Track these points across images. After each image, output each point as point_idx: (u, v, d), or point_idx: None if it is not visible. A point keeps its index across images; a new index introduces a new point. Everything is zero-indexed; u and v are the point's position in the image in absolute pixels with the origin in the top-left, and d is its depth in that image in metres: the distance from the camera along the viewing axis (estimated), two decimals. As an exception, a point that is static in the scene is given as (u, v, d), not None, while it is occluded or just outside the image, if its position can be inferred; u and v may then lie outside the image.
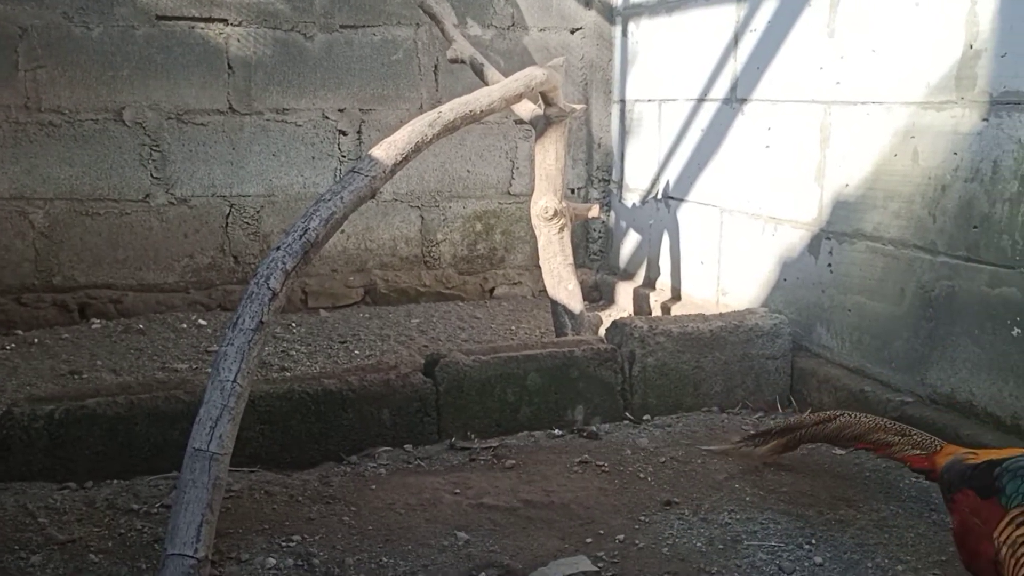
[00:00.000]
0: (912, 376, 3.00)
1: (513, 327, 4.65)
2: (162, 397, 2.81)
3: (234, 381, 2.21)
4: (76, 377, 3.70)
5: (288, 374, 3.58)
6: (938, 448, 2.35)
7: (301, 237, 2.43)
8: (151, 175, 4.60)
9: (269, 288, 2.32)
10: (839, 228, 3.33)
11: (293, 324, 4.56)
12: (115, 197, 4.57)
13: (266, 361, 3.95)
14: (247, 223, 4.79)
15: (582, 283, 4.23)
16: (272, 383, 3.00)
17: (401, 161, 2.70)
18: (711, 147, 4.18)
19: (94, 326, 4.43)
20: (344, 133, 4.88)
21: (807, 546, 2.40)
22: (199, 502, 2.09)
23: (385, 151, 2.70)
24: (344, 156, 4.89)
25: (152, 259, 4.65)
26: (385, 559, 2.32)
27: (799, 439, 2.76)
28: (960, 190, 2.77)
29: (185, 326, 4.46)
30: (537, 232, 4.01)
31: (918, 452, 2.37)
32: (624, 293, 5.00)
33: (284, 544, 2.37)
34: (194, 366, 3.86)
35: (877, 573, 2.26)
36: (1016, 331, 2.57)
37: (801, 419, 2.79)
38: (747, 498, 2.70)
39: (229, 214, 4.76)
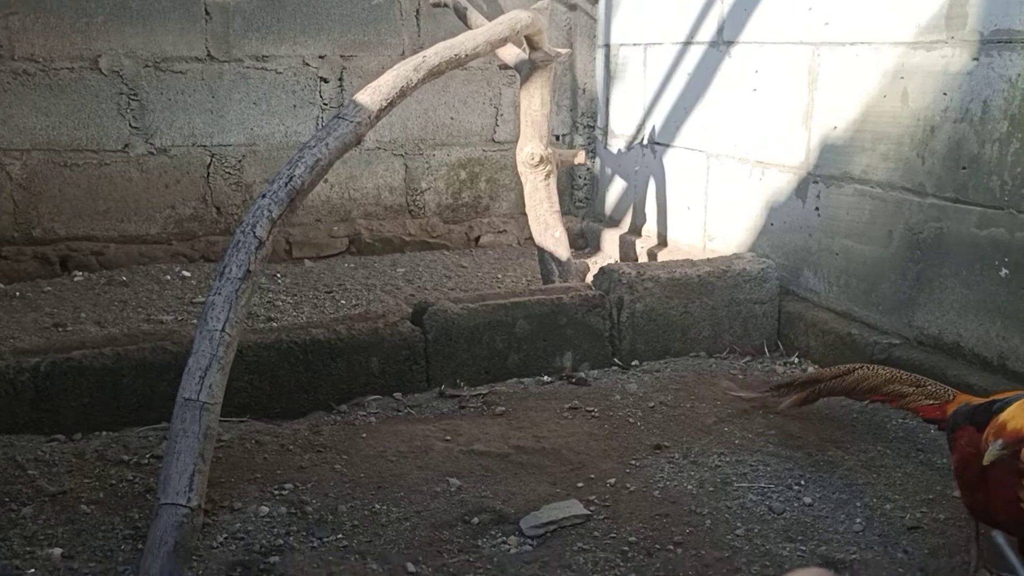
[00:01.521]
0: (899, 318, 3.01)
1: (499, 275, 4.63)
2: (149, 348, 2.78)
3: (222, 330, 2.19)
4: (60, 330, 3.66)
5: (275, 324, 3.56)
6: (951, 398, 2.31)
7: (287, 184, 2.39)
8: (129, 125, 4.52)
9: (255, 236, 2.30)
10: (827, 171, 3.32)
11: (278, 275, 4.53)
12: (93, 147, 4.49)
13: (252, 312, 3.92)
14: (229, 173, 4.72)
15: (568, 231, 4.20)
16: (260, 333, 2.98)
17: (386, 106, 2.66)
18: (697, 91, 4.14)
19: (76, 279, 4.38)
20: (325, 80, 4.80)
21: (796, 487, 2.43)
22: (190, 451, 2.08)
23: (370, 96, 2.65)
24: (326, 104, 4.81)
25: (133, 210, 4.59)
26: (378, 506, 2.32)
27: (818, 393, 2.69)
28: (949, 131, 2.76)
29: (169, 278, 4.42)
30: (523, 179, 3.97)
31: (931, 402, 2.33)
32: (610, 240, 4.98)
33: (276, 492, 2.37)
34: (180, 318, 3.83)
35: (865, 512, 2.29)
36: (1004, 272, 2.58)
37: (820, 373, 2.76)
38: (737, 441, 2.72)
39: (210, 164, 4.69)
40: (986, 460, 1.71)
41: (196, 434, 2.10)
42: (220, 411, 2.29)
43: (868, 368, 2.57)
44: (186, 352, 2.26)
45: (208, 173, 4.69)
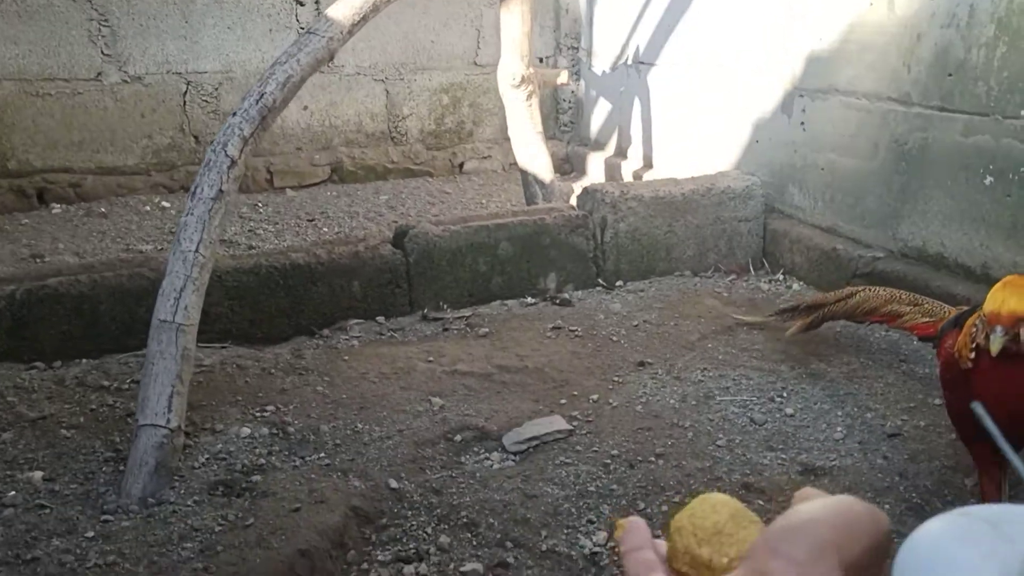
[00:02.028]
0: (884, 231, 2.99)
1: (484, 201, 4.59)
2: (126, 275, 2.75)
3: (196, 251, 2.15)
4: (38, 260, 3.62)
5: (255, 250, 3.52)
6: (946, 315, 2.26)
7: (258, 102, 2.34)
8: (101, 52, 4.41)
9: (227, 155, 2.25)
10: (812, 84, 3.26)
11: (259, 204, 4.47)
12: (65, 76, 4.39)
13: (233, 240, 3.89)
14: (205, 101, 4.63)
15: (552, 155, 4.14)
16: (239, 259, 2.94)
17: (359, 21, 2.58)
18: (681, 7, 4.05)
19: (54, 211, 4.32)
20: (301, 3, 4.68)
21: (779, 399, 2.43)
22: (168, 373, 2.07)
23: (342, 11, 2.58)
24: (303, 28, 4.69)
25: (109, 141, 4.51)
26: (360, 425, 2.32)
27: (822, 317, 2.64)
28: (936, 37, 2.70)
29: (148, 208, 4.36)
30: (505, 100, 3.90)
31: (926, 320, 2.31)
32: (595, 164, 4.93)
33: (258, 414, 2.36)
34: (159, 247, 3.79)
35: (846, 421, 2.29)
36: (988, 180, 2.55)
37: (824, 297, 2.72)
38: (720, 356, 2.71)
39: (186, 92, 4.59)
40: (993, 350, 1.63)
41: (173, 356, 2.08)
42: (200, 336, 2.27)
43: (868, 290, 2.53)
44: (163, 277, 2.22)
45: (184, 101, 4.60)
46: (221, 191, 2.21)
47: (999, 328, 1.62)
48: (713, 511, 0.53)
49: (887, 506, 1.91)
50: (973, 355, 1.72)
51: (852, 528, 0.42)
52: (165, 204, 4.43)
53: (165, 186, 4.60)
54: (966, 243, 2.67)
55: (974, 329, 1.73)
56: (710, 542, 0.51)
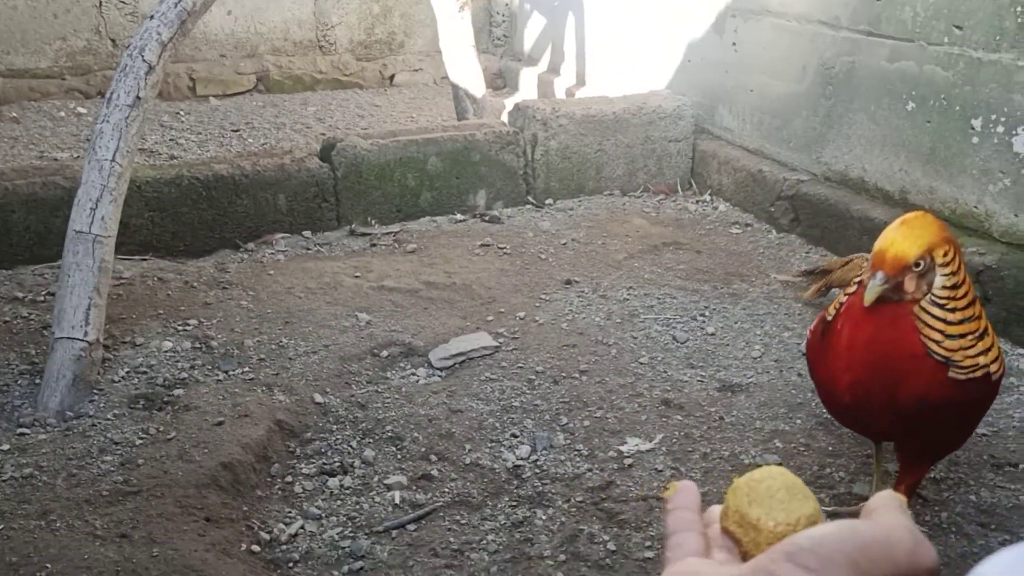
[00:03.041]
0: (809, 155, 3.04)
1: (414, 114, 4.52)
2: (40, 183, 2.65)
3: (112, 160, 2.08)
4: (-54, 168, 3.46)
5: (177, 161, 3.42)
6: None
7: (176, 5, 2.24)
8: (9, -54, 4.17)
9: (144, 61, 2.15)
10: (745, 5, 3.25)
11: (181, 112, 4.33)
12: (-30, -29, 4.14)
13: (153, 150, 3.77)
14: (124, 3, 4.42)
15: (485, 70, 4.09)
16: (159, 169, 2.86)
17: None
18: (618, -80, 3.97)
19: (-38, 115, 4.13)
20: (224, -99, 4.47)
21: (700, 318, 2.48)
22: (85, 285, 2.01)
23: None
24: (226, -72, 4.50)
25: (20, 42, 4.29)
26: (285, 340, 2.30)
27: (828, 284, 2.58)
28: (867, -39, 2.71)
29: (63, 114, 4.19)
30: (437, 11, 3.81)
31: None
32: (528, 79, 4.87)
33: (180, 328, 2.32)
34: (75, 155, 3.65)
35: (764, 339, 2.36)
36: (911, 105, 2.59)
37: (832, 263, 2.65)
38: (646, 276, 2.75)
39: (102, -8, 4.38)
40: (867, 299, 1.38)
41: (90, 267, 2.03)
42: (119, 248, 2.21)
43: (863, 256, 2.44)
44: (79, 186, 2.15)
45: (100, 2, 4.39)
46: (138, 98, 2.13)
47: (879, 274, 1.38)
48: (770, 477, 0.54)
49: (799, 420, 1.99)
50: (844, 298, 1.50)
51: (878, 552, 0.43)
52: (81, 110, 4.26)
53: (80, 91, 4.42)
54: (886, 168, 2.72)
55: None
56: (761, 504, 0.52)
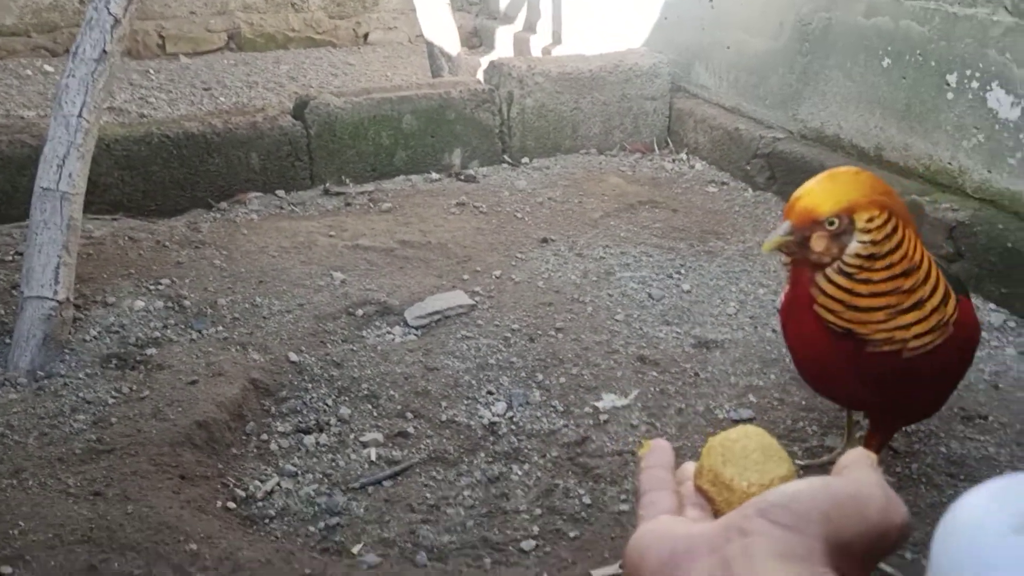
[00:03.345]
0: (785, 112, 3.03)
1: (388, 73, 4.46)
2: (6, 142, 2.60)
3: (79, 116, 2.04)
4: (-91, 127, 3.39)
5: (147, 119, 3.37)
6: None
7: (142, -43, 2.18)
8: (-31, -102, 4.05)
9: (110, 13, 2.11)
10: (722, -39, 3.22)
11: (151, 71, 4.25)
12: (-71, -76, 4.03)
13: (123, 108, 3.70)
14: (89, -43, 4.32)
15: (460, 28, 4.04)
16: (128, 127, 2.81)
17: None
18: None
19: (-75, 74, 4.04)
20: None
21: (676, 275, 2.49)
22: (54, 243, 1.98)
23: None
24: None
25: (-17, -2, 4.19)
26: (259, 299, 2.28)
27: None
28: (845, -84, 2.69)
29: (29, 72, 4.10)
30: (410, -33, 3.75)
31: None
32: (504, 38, 4.82)
33: (152, 287, 2.30)
34: (42, 114, 3.58)
35: (739, 296, 2.37)
36: (886, 62, 2.59)
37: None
38: (622, 234, 2.74)
39: (67, -53, 4.28)
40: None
41: (58, 225, 2.00)
42: (89, 207, 2.18)
43: None
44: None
45: (65, -43, 4.29)
46: (105, 52, 2.08)
47: (785, 224, 1.28)
48: (746, 437, 0.54)
49: (773, 376, 2.00)
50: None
51: (851, 508, 0.43)
52: (48, 68, 4.17)
53: (47, 49, 4.33)
54: (862, 125, 2.72)
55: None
56: (735, 464, 0.52)
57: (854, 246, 1.26)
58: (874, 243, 1.26)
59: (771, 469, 0.52)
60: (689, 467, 0.56)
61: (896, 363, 1.31)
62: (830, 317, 1.30)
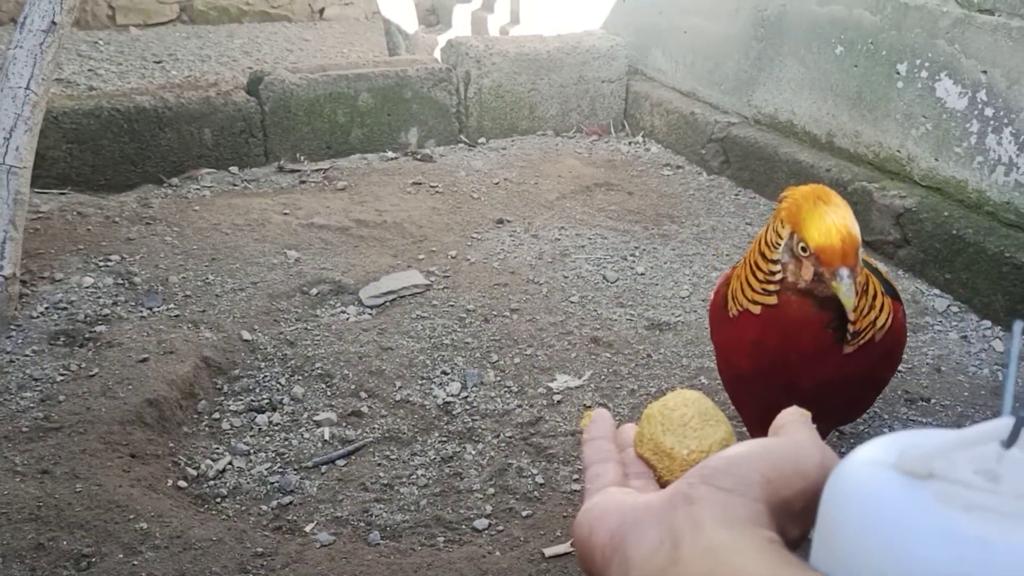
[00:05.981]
0: (740, 98, 3.06)
1: (344, 50, 4.42)
2: (-51, 112, 2.53)
3: (27, 88, 2.00)
4: None
5: (96, 92, 3.30)
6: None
7: (92, -75, 2.13)
8: None
9: (59, -17, 2.06)
10: (680, -55, 3.24)
11: (100, 42, 4.16)
12: None
13: (71, 80, 3.63)
14: (36, -76, 4.21)
15: (418, 5, 4.01)
16: (77, 99, 2.76)
17: None
18: None
19: None
20: None
21: (631, 258, 2.51)
22: (0, 218, 1.94)
23: None
24: None
25: (-76, -37, 4.06)
26: (212, 277, 2.26)
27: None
28: (801, -97, 2.71)
29: (-27, 42, 3.99)
30: (368, -57, 3.72)
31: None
32: (462, 16, 4.78)
33: (102, 264, 2.26)
34: (-12, 85, 3.49)
35: (692, 279, 2.39)
36: (839, 49, 2.62)
37: None
38: (578, 216, 2.76)
39: (13, -88, 4.16)
40: (849, 304, 1.16)
41: (5, 199, 1.96)
42: (36, 181, 2.14)
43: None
44: (-11, 113, 2.06)
45: (11, -77, 4.17)
46: (54, 23, 2.03)
47: (844, 271, 1.14)
48: (684, 404, 0.55)
49: (724, 358, 2.03)
50: (773, 298, 1.25)
51: (790, 467, 0.43)
52: (-7, 37, 4.07)
53: (-8, 17, 4.22)
54: (814, 111, 2.76)
55: (774, 266, 1.24)
56: (675, 432, 0.53)
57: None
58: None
59: (709, 434, 0.53)
60: (629, 430, 0.57)
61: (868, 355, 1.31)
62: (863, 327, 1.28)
